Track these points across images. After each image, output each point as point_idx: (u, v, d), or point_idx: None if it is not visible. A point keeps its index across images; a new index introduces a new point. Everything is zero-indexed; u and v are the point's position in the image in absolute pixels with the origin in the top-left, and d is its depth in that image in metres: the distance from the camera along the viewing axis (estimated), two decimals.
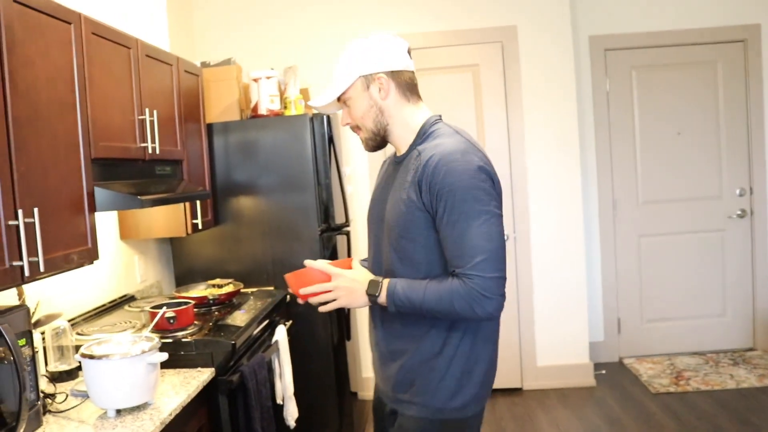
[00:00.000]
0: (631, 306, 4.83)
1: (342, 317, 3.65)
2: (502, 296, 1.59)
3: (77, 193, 2.05)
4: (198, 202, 3.13)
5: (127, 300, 3.02)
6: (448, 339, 1.68)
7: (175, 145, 2.91)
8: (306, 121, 3.37)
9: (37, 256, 1.77)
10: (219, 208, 3.42)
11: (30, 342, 1.76)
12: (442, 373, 1.68)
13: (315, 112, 3.53)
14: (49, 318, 2.21)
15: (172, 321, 2.38)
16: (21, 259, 1.71)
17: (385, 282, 1.68)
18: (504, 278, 1.60)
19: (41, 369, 2.12)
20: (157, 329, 2.31)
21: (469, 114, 4.31)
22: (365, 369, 4.42)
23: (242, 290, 3.11)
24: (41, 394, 1.86)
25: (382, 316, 1.77)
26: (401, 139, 1.77)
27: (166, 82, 2.88)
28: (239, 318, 2.64)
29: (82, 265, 2.05)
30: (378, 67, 1.73)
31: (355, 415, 3.70)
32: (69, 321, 2.42)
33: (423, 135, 1.73)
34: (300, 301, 1.76)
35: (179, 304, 2.53)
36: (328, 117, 3.48)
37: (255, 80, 3.51)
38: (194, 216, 3.12)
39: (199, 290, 3.00)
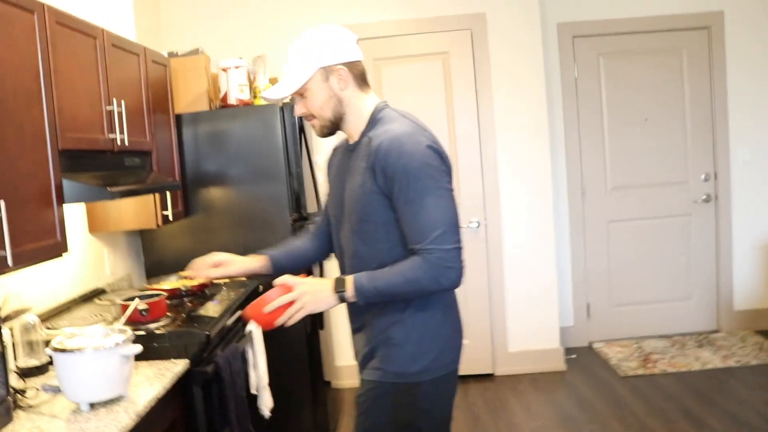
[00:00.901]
0: (599, 291, 4.92)
1: None
2: (462, 264, 1.69)
3: (45, 185, 2.02)
4: (168, 194, 3.10)
5: (96, 293, 2.98)
6: (406, 308, 1.77)
7: (143, 136, 2.88)
8: (276, 111, 3.35)
9: (5, 249, 1.75)
10: (189, 199, 3.39)
11: None
12: (400, 339, 1.77)
13: (284, 102, 3.51)
14: (18, 313, 2.17)
15: (144, 313, 2.36)
16: None
17: (349, 278, 1.72)
18: (461, 248, 1.69)
19: (11, 365, 2.09)
20: (129, 322, 2.29)
21: (439, 101, 4.33)
22: (338, 358, 4.43)
23: (215, 281, 3.09)
24: (11, 390, 1.83)
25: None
26: (354, 127, 1.84)
27: (134, 73, 2.84)
28: (212, 309, 2.63)
29: (51, 259, 2.02)
30: (337, 59, 1.78)
31: (329, 403, 3.72)
32: (38, 315, 2.38)
33: (373, 122, 1.81)
34: (268, 328, 1.79)
35: (151, 296, 2.51)
36: None
37: (224, 70, 3.48)
38: (164, 207, 3.09)
39: (171, 282, 2.98)
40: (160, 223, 3.07)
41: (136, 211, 3.07)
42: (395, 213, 1.71)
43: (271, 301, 1.73)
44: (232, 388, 2.38)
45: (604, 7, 4.70)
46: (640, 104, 4.79)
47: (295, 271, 2.00)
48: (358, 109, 1.83)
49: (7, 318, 2.14)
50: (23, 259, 1.85)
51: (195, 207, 3.39)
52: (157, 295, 2.53)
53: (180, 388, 2.20)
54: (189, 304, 2.72)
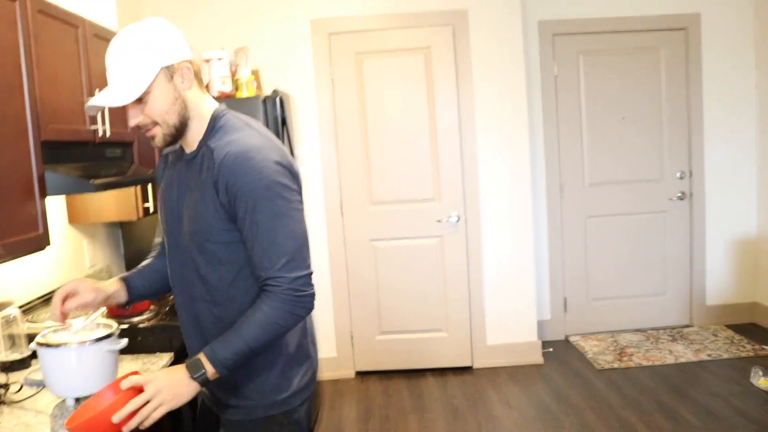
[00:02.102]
0: (576, 285, 4.99)
1: None
2: (313, 293, 1.59)
3: (27, 177, 2.00)
4: (149, 186, 3.07)
5: None
6: None
7: (125, 127, 2.84)
8: (258, 103, 3.34)
9: None
10: None
11: None
12: (263, 371, 1.65)
13: (266, 94, 3.50)
14: (0, 306, 2.15)
15: (127, 306, 2.34)
16: None
17: (201, 356, 1.52)
18: (311, 273, 1.58)
19: None
20: (111, 315, 2.27)
21: (420, 96, 4.34)
22: (319, 350, 4.43)
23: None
24: None
25: (201, 329, 1.68)
26: (196, 134, 1.63)
27: None
28: None
29: (34, 252, 2.00)
30: (179, 56, 1.58)
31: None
32: (19, 308, 2.35)
33: (212, 129, 1.62)
34: None
35: None
36: (281, 98, 3.45)
37: (206, 61, 3.45)
38: (145, 199, 3.06)
39: None
40: (140, 214, 3.04)
41: (116, 202, 3.04)
42: (241, 234, 1.56)
43: (111, 405, 1.42)
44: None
45: (585, 6, 4.74)
46: (618, 102, 4.85)
47: (154, 294, 1.86)
48: (200, 112, 1.62)
49: None
50: (6, 252, 1.83)
51: None
52: None
53: None
54: (171, 297, 2.70)
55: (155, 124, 1.58)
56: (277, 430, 1.68)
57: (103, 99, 1.55)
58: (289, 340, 1.69)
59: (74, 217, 3.04)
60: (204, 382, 1.51)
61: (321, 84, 4.30)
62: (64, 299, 1.70)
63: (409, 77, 4.34)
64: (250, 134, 1.59)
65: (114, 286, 1.79)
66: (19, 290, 2.54)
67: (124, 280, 1.82)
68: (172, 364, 2.21)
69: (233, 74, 3.56)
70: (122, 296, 1.81)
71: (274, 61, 4.23)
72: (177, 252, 1.68)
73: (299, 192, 1.60)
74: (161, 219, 1.75)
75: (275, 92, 3.46)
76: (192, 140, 1.64)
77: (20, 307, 2.47)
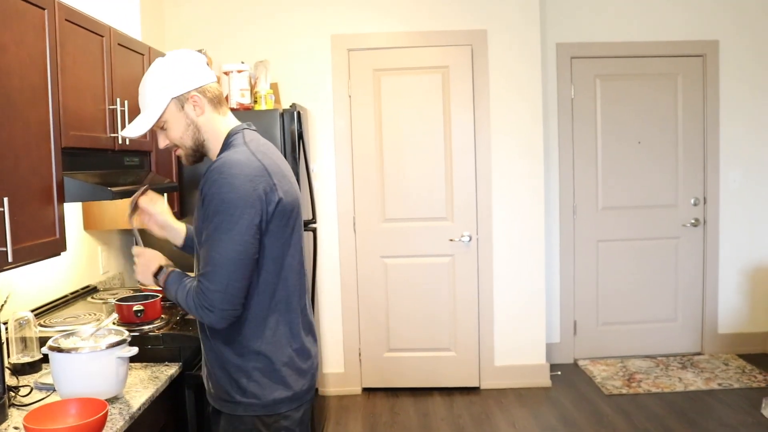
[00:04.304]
0: (587, 309, 4.96)
1: None
2: (224, 310, 1.64)
3: (47, 183, 2.02)
4: (165, 195, 3.10)
5: (89, 291, 2.97)
6: (244, 348, 1.73)
7: (144, 136, 2.87)
8: (276, 117, 3.36)
9: (6, 245, 1.74)
10: (185, 201, 3.38)
11: None
12: (247, 374, 1.73)
13: (284, 108, 3.52)
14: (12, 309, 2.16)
15: (139, 314, 2.36)
16: None
17: (166, 269, 1.78)
18: (225, 293, 1.63)
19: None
20: (123, 322, 2.29)
21: (437, 114, 4.36)
22: (326, 365, 4.44)
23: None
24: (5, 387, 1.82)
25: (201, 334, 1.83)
26: (214, 151, 1.82)
27: (138, 72, 2.84)
28: None
29: (50, 256, 2.01)
30: (188, 86, 1.76)
31: (316, 410, 3.71)
32: (30, 312, 2.37)
33: (225, 145, 1.79)
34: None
35: (146, 296, 2.50)
36: (299, 113, 3.48)
37: (226, 73, 3.49)
38: None
39: None
40: None
41: None
42: None
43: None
44: None
45: (603, 30, 4.76)
46: (634, 127, 4.85)
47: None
48: (216, 132, 1.81)
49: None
50: (23, 256, 1.84)
51: (190, 209, 3.38)
52: (152, 296, 2.52)
53: (172, 391, 2.20)
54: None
55: (177, 146, 1.81)
56: (262, 429, 1.74)
57: (129, 129, 1.81)
58: (276, 356, 1.74)
59: (90, 224, 3.06)
60: (156, 282, 1.80)
61: (338, 99, 4.33)
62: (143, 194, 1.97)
63: (426, 95, 4.36)
64: (239, 151, 1.72)
65: (180, 225, 2.04)
66: (33, 294, 2.56)
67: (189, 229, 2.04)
68: (181, 374, 2.22)
69: (252, 87, 3.59)
70: (179, 240, 2.05)
71: (293, 75, 4.27)
72: (196, 260, 1.81)
73: (273, 213, 1.68)
74: None
75: (293, 106, 3.49)
76: (213, 155, 1.83)
77: (33, 310, 2.50)
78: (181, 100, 1.76)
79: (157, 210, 2.00)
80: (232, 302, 1.64)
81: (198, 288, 1.65)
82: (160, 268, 1.80)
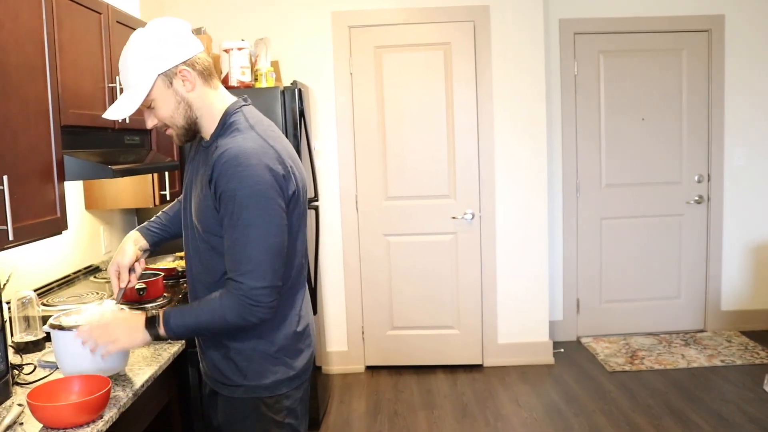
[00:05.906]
0: (590, 287, 4.95)
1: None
2: (271, 304, 1.59)
3: (47, 161, 2.01)
4: (166, 173, 3.09)
5: (92, 271, 2.98)
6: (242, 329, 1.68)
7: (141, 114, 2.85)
8: (277, 94, 3.34)
9: (6, 224, 1.74)
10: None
11: None
12: (247, 356, 1.70)
13: (285, 85, 3.50)
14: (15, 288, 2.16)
15: (141, 293, 2.36)
16: None
17: (160, 315, 1.64)
18: (272, 287, 1.59)
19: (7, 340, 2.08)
20: (125, 301, 2.29)
21: (439, 92, 4.33)
22: (330, 343, 4.45)
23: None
24: (9, 366, 1.83)
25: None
26: (208, 129, 1.69)
27: None
28: None
29: (51, 235, 2.01)
30: (176, 59, 1.60)
31: (320, 388, 3.73)
32: (33, 291, 2.38)
33: (224, 126, 1.66)
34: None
35: (149, 275, 2.50)
36: (300, 90, 3.45)
37: (226, 51, 3.46)
38: (162, 187, 3.07)
39: (167, 262, 2.98)
40: (157, 202, 3.06)
41: (133, 189, 3.06)
42: (222, 230, 1.62)
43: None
44: None
45: (607, 5, 4.70)
46: (638, 103, 4.81)
47: (169, 238, 2.02)
48: (210, 108, 1.67)
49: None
50: (24, 235, 1.84)
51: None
52: (154, 274, 2.52)
53: (175, 368, 2.20)
54: (185, 285, 2.72)
55: (167, 126, 1.68)
56: (264, 410, 1.72)
57: (111, 112, 1.66)
58: (275, 337, 1.71)
59: (91, 204, 3.06)
60: (155, 337, 1.64)
61: (340, 77, 4.30)
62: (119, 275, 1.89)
63: (428, 72, 4.32)
64: (249, 137, 1.61)
65: (141, 244, 1.97)
66: (36, 274, 2.57)
67: (143, 233, 2.00)
68: (184, 351, 2.23)
69: (253, 65, 3.56)
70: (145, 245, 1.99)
71: (293, 52, 4.24)
72: (186, 228, 1.77)
73: (286, 200, 1.61)
74: (183, 197, 1.84)
75: (294, 84, 3.46)
76: (207, 133, 1.71)
77: (36, 290, 2.50)
78: (168, 76, 1.61)
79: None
80: (278, 291, 1.61)
81: (238, 293, 1.56)
82: (150, 318, 1.65)
